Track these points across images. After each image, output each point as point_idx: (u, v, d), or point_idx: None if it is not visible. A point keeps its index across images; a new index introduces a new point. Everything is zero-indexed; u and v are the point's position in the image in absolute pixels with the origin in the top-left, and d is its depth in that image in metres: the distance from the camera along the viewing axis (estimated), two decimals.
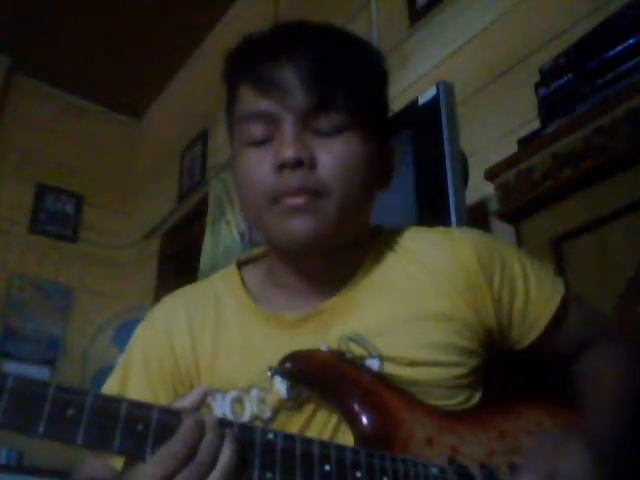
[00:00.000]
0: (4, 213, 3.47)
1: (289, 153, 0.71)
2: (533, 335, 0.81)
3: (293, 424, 0.73)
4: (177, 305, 0.86)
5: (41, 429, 0.52)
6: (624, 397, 0.79)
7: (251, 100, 0.76)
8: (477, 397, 0.77)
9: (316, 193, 0.72)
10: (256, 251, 0.90)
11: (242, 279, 0.85)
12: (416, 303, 0.77)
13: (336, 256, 0.78)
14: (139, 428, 0.55)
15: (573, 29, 1.52)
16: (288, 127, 0.73)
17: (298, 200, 0.71)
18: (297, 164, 0.71)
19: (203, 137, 3.35)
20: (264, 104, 0.74)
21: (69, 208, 3.72)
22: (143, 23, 3.34)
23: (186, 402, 0.61)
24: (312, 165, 0.72)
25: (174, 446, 0.56)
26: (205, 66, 3.49)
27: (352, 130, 0.74)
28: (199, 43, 3.54)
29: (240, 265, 0.88)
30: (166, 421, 0.57)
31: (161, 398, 0.78)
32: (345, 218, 0.74)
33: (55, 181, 3.70)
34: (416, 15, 2.08)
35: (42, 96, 3.79)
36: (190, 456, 0.56)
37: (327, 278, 0.80)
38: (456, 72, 1.82)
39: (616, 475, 0.70)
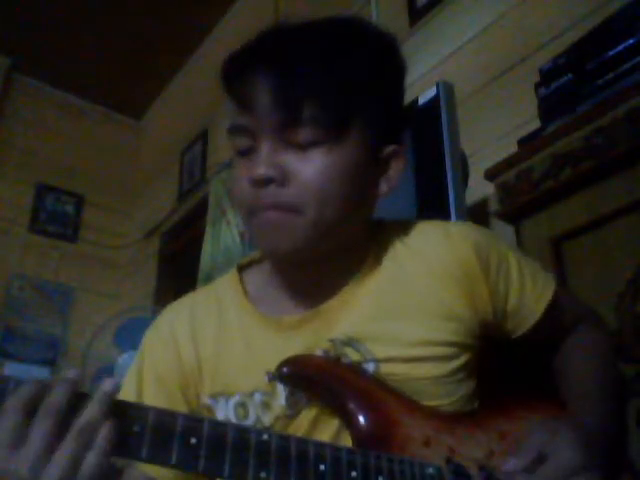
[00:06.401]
0: (4, 213, 3.47)
1: (259, 171, 0.72)
2: (527, 325, 0.84)
3: (294, 432, 0.73)
4: (181, 311, 0.86)
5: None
6: (607, 382, 0.85)
7: (235, 114, 0.77)
8: (472, 390, 0.78)
9: (289, 209, 0.72)
10: (257, 253, 0.90)
11: (242, 283, 0.86)
12: (413, 301, 0.78)
13: (330, 262, 0.79)
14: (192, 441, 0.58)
15: (573, 29, 1.52)
16: (263, 143, 0.74)
17: (271, 215, 0.73)
18: (267, 182, 0.72)
19: (203, 137, 3.35)
20: (243, 119, 0.75)
21: (69, 208, 3.72)
22: (143, 23, 3.34)
23: None
24: (284, 181, 0.72)
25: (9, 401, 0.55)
26: (205, 66, 3.49)
27: (330, 142, 0.73)
28: (199, 43, 3.54)
29: (241, 268, 0.89)
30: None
31: (180, 408, 0.79)
32: (323, 232, 0.74)
33: (55, 181, 3.70)
34: (416, 15, 2.08)
35: (42, 96, 3.79)
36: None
37: (324, 282, 0.80)
38: (456, 72, 1.82)
39: (605, 461, 0.71)
